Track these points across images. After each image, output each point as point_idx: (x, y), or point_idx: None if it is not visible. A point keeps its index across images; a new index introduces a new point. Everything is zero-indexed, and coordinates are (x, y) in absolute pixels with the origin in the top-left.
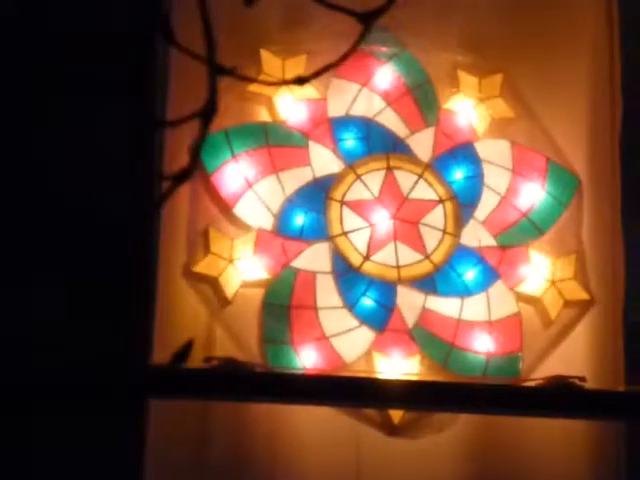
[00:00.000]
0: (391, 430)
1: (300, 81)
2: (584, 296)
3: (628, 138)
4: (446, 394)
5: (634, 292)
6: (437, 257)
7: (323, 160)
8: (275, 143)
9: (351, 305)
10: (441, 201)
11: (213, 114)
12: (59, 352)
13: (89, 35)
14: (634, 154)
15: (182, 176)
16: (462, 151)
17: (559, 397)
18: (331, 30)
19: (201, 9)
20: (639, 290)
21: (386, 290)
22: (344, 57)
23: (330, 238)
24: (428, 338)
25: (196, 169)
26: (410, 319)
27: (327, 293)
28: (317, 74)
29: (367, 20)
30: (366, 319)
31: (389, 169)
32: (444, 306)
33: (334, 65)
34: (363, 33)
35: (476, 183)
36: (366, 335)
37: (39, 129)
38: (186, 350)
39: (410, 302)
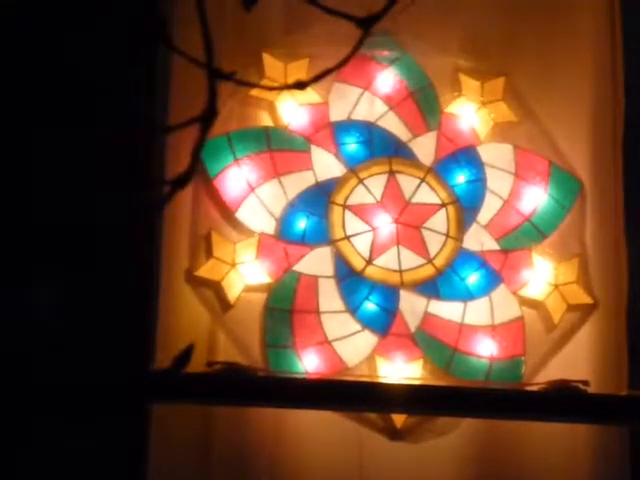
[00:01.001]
0: (394, 434)
1: (300, 86)
2: (587, 300)
3: (631, 141)
4: (449, 398)
5: (637, 296)
6: (440, 261)
7: (325, 164)
8: (277, 147)
9: (353, 309)
10: (443, 205)
11: (213, 118)
12: (60, 356)
13: (90, 38)
14: (637, 157)
15: (182, 180)
16: (464, 155)
17: (562, 401)
18: (334, 34)
19: (199, 13)
20: None
21: (389, 294)
22: (344, 62)
23: (332, 242)
24: (431, 342)
25: (195, 173)
26: (413, 323)
27: (329, 297)
28: (317, 78)
29: (366, 25)
30: (368, 323)
31: (391, 173)
32: (447, 310)
33: (334, 69)
34: (362, 37)
35: (478, 187)
36: (368, 339)
37: (40, 129)
38: (187, 354)
39: (413, 306)
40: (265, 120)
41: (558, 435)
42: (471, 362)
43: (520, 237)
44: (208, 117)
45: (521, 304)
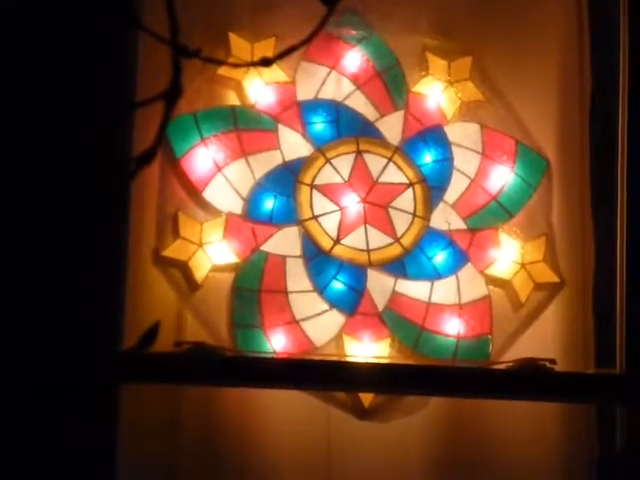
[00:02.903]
0: (362, 413)
1: (266, 62)
2: (554, 279)
3: (597, 120)
4: (416, 377)
5: (603, 275)
6: (407, 240)
7: (292, 144)
8: (244, 127)
9: (321, 289)
10: (411, 184)
11: (178, 96)
12: (26, 338)
13: (57, 18)
14: (603, 135)
15: (146, 157)
16: (431, 134)
17: (529, 380)
18: (301, 14)
19: None
20: (608, 272)
21: (356, 273)
22: (309, 39)
23: (300, 222)
24: (398, 321)
25: (159, 151)
26: (380, 302)
27: (297, 277)
28: (282, 55)
29: (330, 2)
30: (336, 302)
31: (359, 153)
32: (414, 289)
33: (298, 47)
34: (327, 15)
35: (446, 166)
36: (336, 319)
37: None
38: (153, 333)
39: (380, 285)
40: (232, 99)
41: (525, 413)
42: (438, 341)
43: (487, 216)
44: (173, 94)
45: (488, 283)
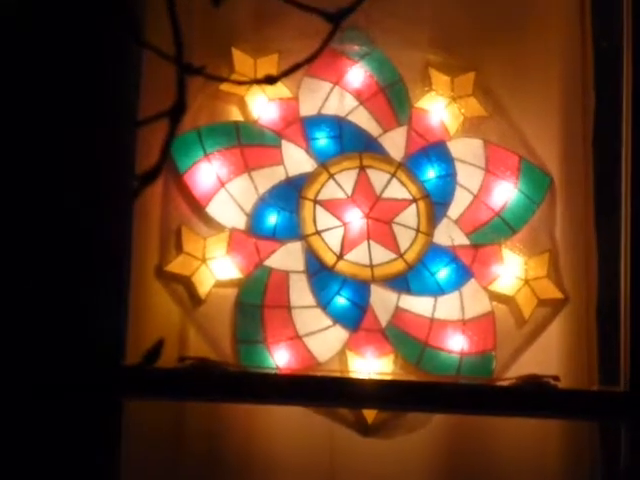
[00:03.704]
0: (365, 430)
1: (270, 80)
2: (557, 295)
3: (600, 136)
4: (419, 394)
5: (607, 291)
6: (410, 256)
7: (296, 159)
8: (247, 142)
9: (324, 304)
10: (414, 200)
11: (182, 113)
12: (28, 353)
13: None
14: (606, 152)
15: (151, 174)
16: (435, 150)
17: (533, 396)
18: (304, 30)
19: (169, 8)
20: (612, 289)
21: (360, 289)
22: (313, 56)
23: (303, 237)
24: (401, 337)
25: (164, 168)
26: (384, 318)
27: (300, 292)
28: (286, 73)
29: (336, 19)
30: (340, 318)
31: (362, 168)
32: (417, 305)
33: (303, 64)
34: (332, 32)
35: (449, 182)
36: (340, 334)
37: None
38: (157, 349)
39: (383, 301)
40: (235, 115)
41: (529, 430)
42: (442, 357)
43: (490, 232)
44: (177, 111)
45: (491, 299)
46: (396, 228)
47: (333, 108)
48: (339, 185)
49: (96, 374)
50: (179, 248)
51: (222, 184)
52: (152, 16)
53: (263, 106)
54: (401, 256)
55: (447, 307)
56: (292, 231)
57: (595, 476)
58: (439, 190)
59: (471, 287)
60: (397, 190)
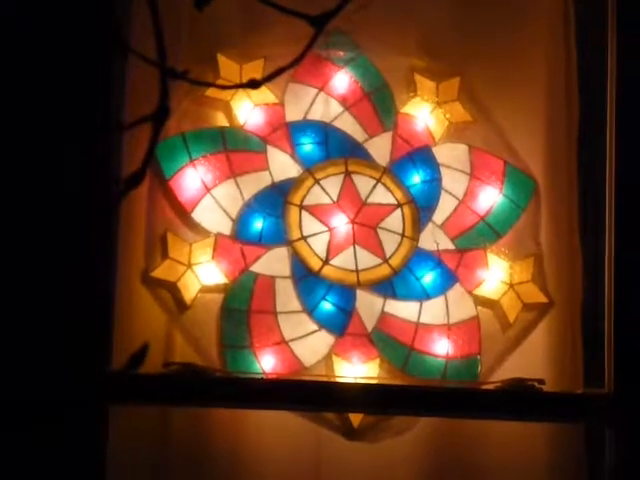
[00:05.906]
0: (351, 434)
1: (254, 84)
2: (542, 299)
3: (585, 140)
4: (405, 398)
5: (592, 295)
6: (396, 261)
7: (281, 165)
8: (233, 148)
9: (310, 309)
10: (399, 205)
11: (165, 117)
12: (14, 358)
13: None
14: (591, 156)
15: (135, 178)
16: (420, 155)
17: (518, 400)
18: (289, 35)
19: (151, 11)
20: (597, 292)
21: (345, 294)
22: (297, 60)
23: (289, 242)
24: (387, 342)
25: (149, 172)
26: (369, 323)
27: (286, 297)
28: (271, 77)
29: (319, 23)
30: (325, 323)
31: (347, 173)
32: (403, 310)
33: (287, 68)
34: (315, 36)
35: (434, 187)
36: (325, 339)
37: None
38: (142, 354)
39: (369, 306)
40: (221, 120)
41: (514, 433)
42: (427, 361)
43: (475, 237)
44: (160, 115)
45: (476, 303)
46: (381, 233)
47: (319, 113)
48: (325, 190)
49: (81, 380)
50: (165, 254)
51: (208, 189)
52: (138, 22)
53: (249, 111)
54: (386, 261)
55: (432, 311)
56: (278, 236)
57: (580, 477)
58: (424, 195)
59: (456, 291)
60: (382, 195)
